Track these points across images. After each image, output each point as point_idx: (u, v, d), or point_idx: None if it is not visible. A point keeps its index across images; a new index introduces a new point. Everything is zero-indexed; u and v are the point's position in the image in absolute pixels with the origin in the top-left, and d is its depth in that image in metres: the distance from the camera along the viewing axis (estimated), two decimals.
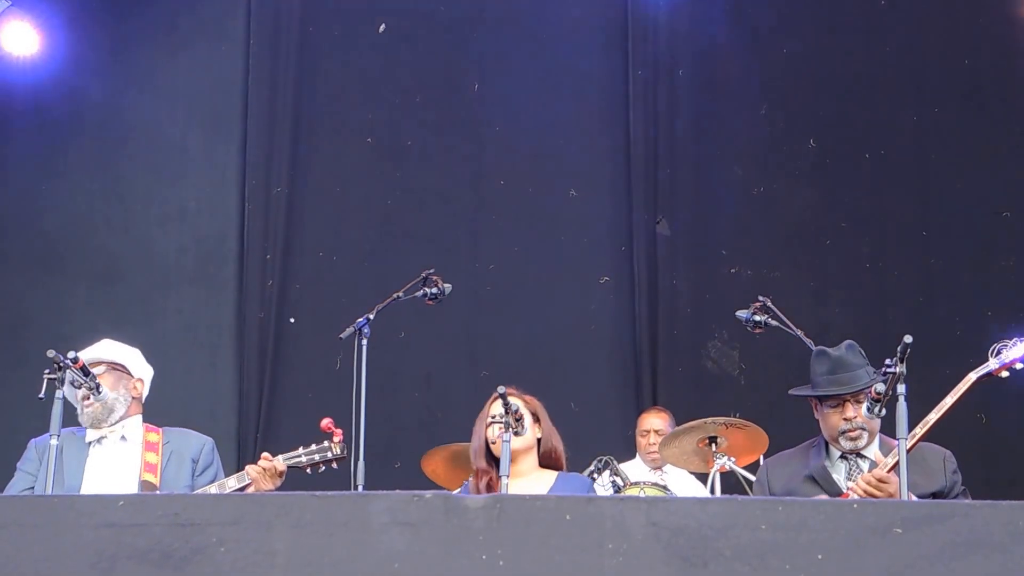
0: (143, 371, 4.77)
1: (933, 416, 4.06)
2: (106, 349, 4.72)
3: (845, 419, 4.24)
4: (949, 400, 4.06)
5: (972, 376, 4.12)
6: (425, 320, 6.96)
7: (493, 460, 4.36)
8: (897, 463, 3.91)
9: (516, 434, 4.20)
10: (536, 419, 4.46)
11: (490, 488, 4.28)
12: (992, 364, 4.15)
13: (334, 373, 6.81)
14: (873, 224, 7.50)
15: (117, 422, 4.61)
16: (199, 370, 7.28)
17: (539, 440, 4.45)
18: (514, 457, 4.31)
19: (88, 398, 4.52)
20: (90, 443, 4.59)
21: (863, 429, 4.22)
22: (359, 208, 7.59)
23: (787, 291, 7.31)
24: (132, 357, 4.75)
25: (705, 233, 7.59)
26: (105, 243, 7.43)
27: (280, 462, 4.42)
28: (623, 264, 7.46)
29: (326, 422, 4.51)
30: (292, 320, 7.37)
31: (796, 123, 7.62)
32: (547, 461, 4.47)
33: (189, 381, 7.13)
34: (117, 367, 4.67)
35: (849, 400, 4.23)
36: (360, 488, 4.73)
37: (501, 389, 4.09)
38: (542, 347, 7.43)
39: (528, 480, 4.38)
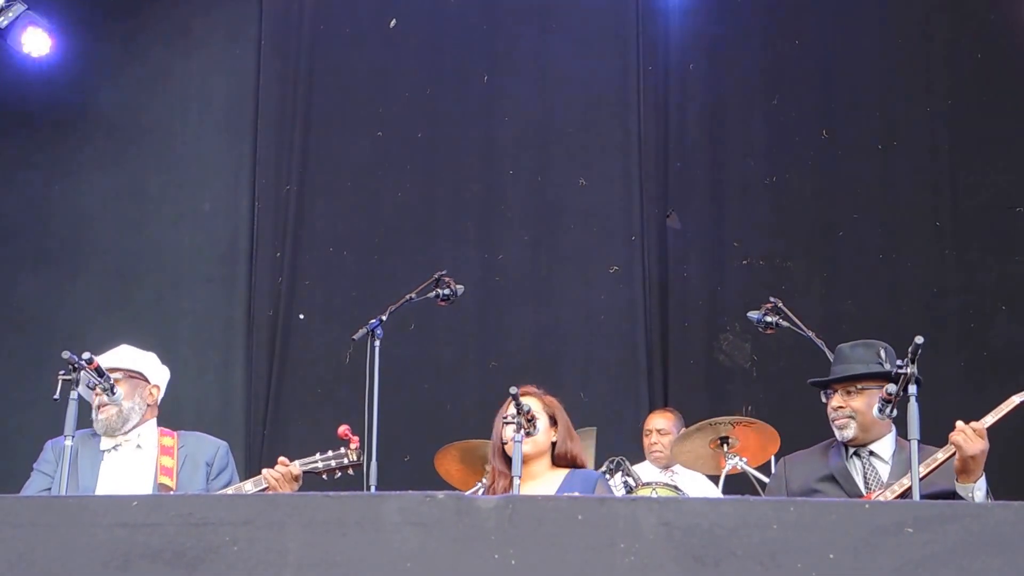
0: (160, 377, 4.77)
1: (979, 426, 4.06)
2: (124, 356, 4.71)
3: (832, 407, 4.33)
4: (989, 419, 4.08)
5: (1015, 399, 4.14)
6: (434, 311, 6.95)
7: (508, 461, 4.29)
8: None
9: (528, 435, 4.17)
10: (553, 421, 4.41)
11: (506, 491, 4.25)
12: None
13: (343, 369, 6.83)
14: (885, 216, 7.47)
15: (131, 430, 4.63)
16: (212, 370, 7.31)
17: (554, 444, 4.40)
18: (526, 460, 4.28)
19: (104, 405, 4.53)
20: (104, 450, 4.60)
21: (850, 418, 4.28)
22: (369, 202, 7.61)
23: (799, 283, 7.32)
24: (149, 363, 4.75)
25: (716, 224, 7.58)
26: (119, 244, 7.46)
27: (296, 466, 4.42)
28: (633, 254, 7.45)
29: (343, 429, 4.49)
30: (301, 316, 7.39)
31: (807, 114, 7.59)
32: (564, 463, 4.42)
33: (202, 381, 7.15)
34: (134, 375, 4.67)
35: (839, 390, 4.33)
36: (373, 487, 4.73)
37: (514, 390, 4.06)
38: (551, 337, 7.43)
39: (538, 481, 4.35)
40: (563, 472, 4.39)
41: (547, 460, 4.41)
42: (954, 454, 4.03)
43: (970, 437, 3.99)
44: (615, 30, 7.69)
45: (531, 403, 4.36)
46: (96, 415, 4.57)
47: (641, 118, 7.53)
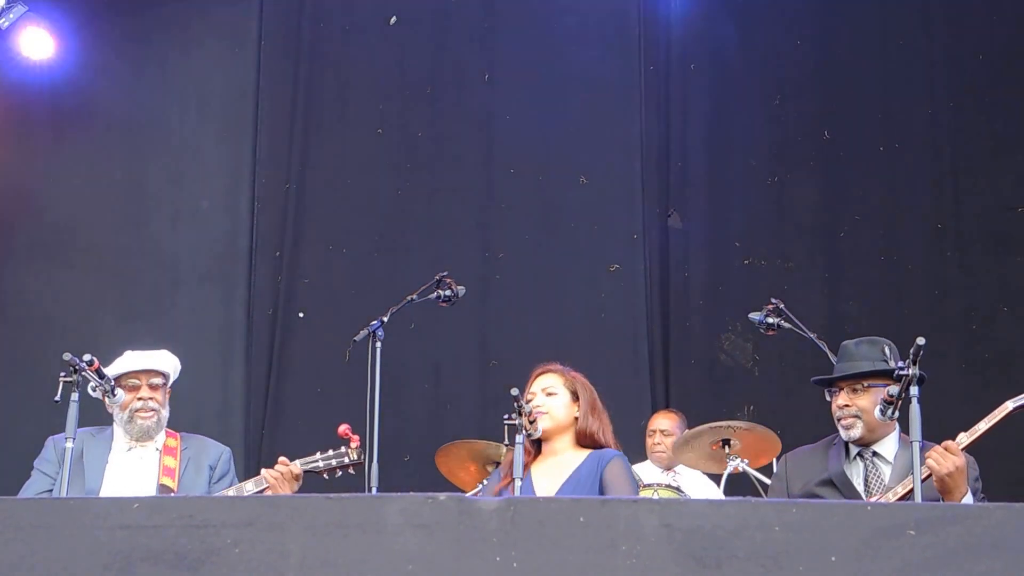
0: (173, 382, 4.80)
1: (965, 439, 4.06)
2: (167, 361, 4.73)
3: (838, 406, 4.29)
4: (983, 426, 4.06)
5: (1009, 405, 4.11)
6: (435, 311, 6.95)
7: (533, 441, 4.30)
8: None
9: (528, 436, 4.17)
10: (575, 397, 4.38)
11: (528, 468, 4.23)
12: None
13: (343, 367, 6.82)
14: (887, 217, 7.46)
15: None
16: (210, 368, 7.29)
17: (576, 419, 4.36)
18: (547, 436, 4.31)
19: (149, 411, 4.53)
20: (120, 450, 4.60)
21: (856, 417, 4.25)
22: (368, 200, 7.60)
23: (800, 284, 7.31)
24: (176, 372, 4.79)
25: (718, 225, 7.57)
26: (118, 242, 7.45)
27: (296, 466, 4.42)
28: (635, 253, 7.45)
29: (343, 428, 4.49)
30: (301, 315, 7.38)
31: (810, 115, 7.58)
32: (586, 442, 4.35)
33: (201, 380, 7.13)
34: (166, 380, 4.71)
35: (845, 388, 4.29)
36: (374, 488, 4.73)
37: (515, 391, 4.05)
38: (552, 337, 7.42)
39: (558, 459, 4.32)
40: (585, 452, 4.32)
41: (570, 437, 4.36)
42: (930, 476, 4.00)
43: (941, 456, 3.97)
44: (617, 29, 7.68)
45: (553, 379, 4.40)
46: (133, 418, 4.57)
47: (643, 117, 7.53)
